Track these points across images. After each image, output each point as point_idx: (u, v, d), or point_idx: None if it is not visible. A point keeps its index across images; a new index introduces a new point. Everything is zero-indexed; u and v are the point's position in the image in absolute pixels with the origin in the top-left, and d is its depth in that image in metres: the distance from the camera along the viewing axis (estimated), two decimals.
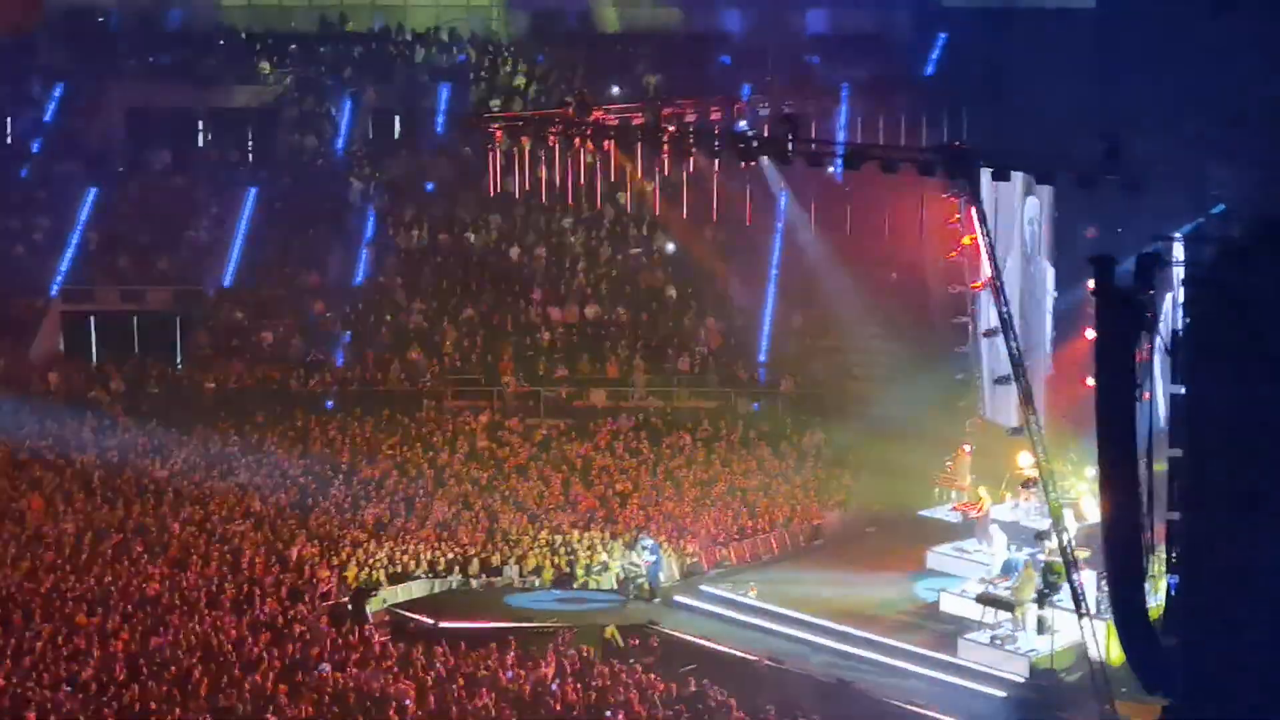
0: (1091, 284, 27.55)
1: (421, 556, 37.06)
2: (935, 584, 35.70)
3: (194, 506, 39.40)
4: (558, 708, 29.51)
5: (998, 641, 32.15)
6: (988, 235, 32.68)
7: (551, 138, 40.87)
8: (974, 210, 32.55)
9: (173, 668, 30.29)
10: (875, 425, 42.11)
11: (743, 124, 42.48)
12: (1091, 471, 29.85)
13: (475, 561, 37.05)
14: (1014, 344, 32.06)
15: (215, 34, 58.85)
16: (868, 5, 55.83)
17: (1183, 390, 26.57)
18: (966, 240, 35.63)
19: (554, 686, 30.44)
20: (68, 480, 40.96)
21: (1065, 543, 30.85)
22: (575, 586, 36.48)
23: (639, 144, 40.40)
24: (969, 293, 37.65)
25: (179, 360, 49.25)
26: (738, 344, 49.06)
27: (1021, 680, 31.13)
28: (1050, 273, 37.71)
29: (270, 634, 32.29)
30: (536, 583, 36.59)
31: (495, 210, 52.16)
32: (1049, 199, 36.77)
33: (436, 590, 36.46)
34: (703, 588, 36.26)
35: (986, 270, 33.38)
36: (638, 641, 33.60)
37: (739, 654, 32.93)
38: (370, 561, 36.49)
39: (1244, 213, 27.86)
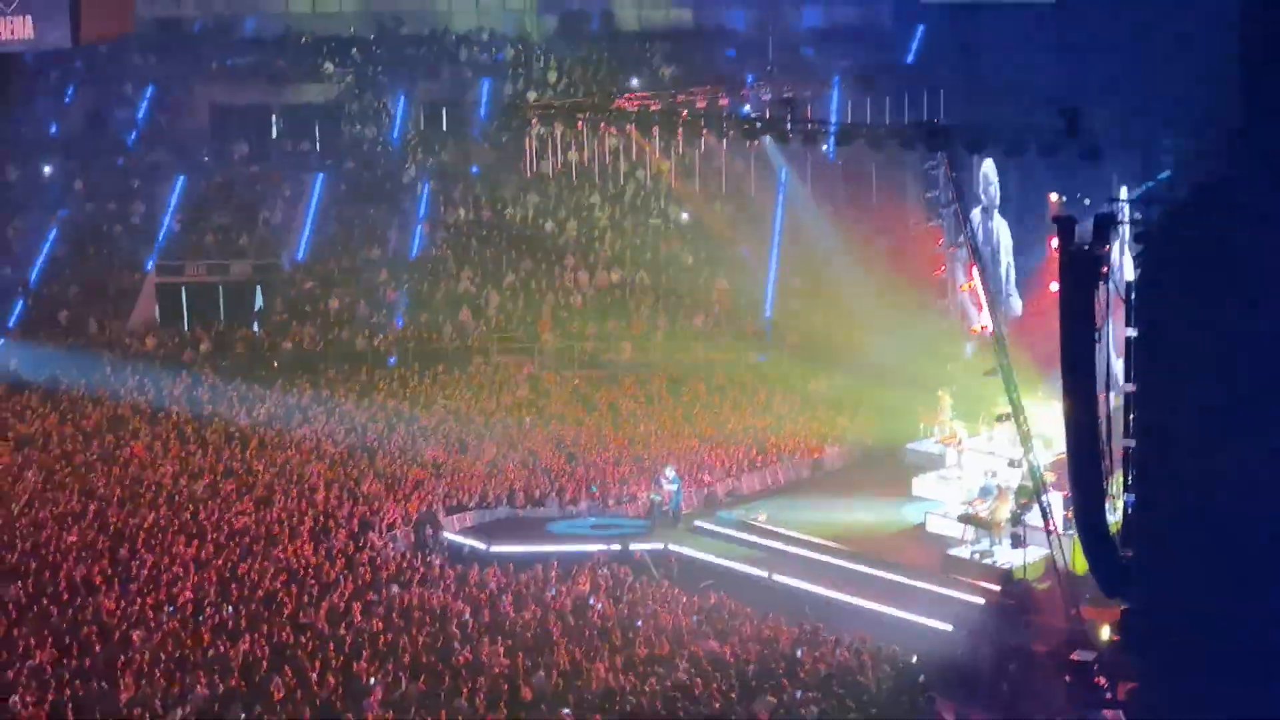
0: (1055, 242, 27.57)
1: (474, 491, 37.16)
2: (921, 507, 35.75)
3: (275, 450, 39.54)
4: (595, 619, 29.63)
5: (977, 556, 32.23)
6: (961, 200, 32.70)
7: (580, 124, 40.87)
8: (950, 180, 32.57)
9: (260, 590, 30.44)
10: (868, 371, 42.07)
11: (747, 108, 42.45)
12: (1058, 406, 29.88)
13: (520, 494, 37.14)
14: (987, 296, 32.11)
15: (285, 38, 58.76)
16: (855, 1, 55.60)
17: (1135, 333, 26.60)
18: (944, 209, 35.65)
19: (591, 600, 30.58)
20: (165, 430, 41.10)
21: (1035, 469, 30.91)
22: (608, 514, 36.55)
23: (656, 128, 40.36)
24: (947, 253, 37.62)
25: (259, 324, 49.32)
26: (746, 303, 49.01)
27: (998, 589, 31.19)
28: (1007, 229, 37.72)
29: (344, 560, 32.44)
30: (574, 511, 36.66)
31: (532, 189, 52.12)
32: (1012, 166, 36.76)
33: (487, 519, 36.57)
34: (719, 513, 36.33)
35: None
36: (663, 561, 33.72)
37: (751, 571, 33.05)
38: (430, 496, 36.60)
39: (1187, 177, 27.80)
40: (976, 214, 37.03)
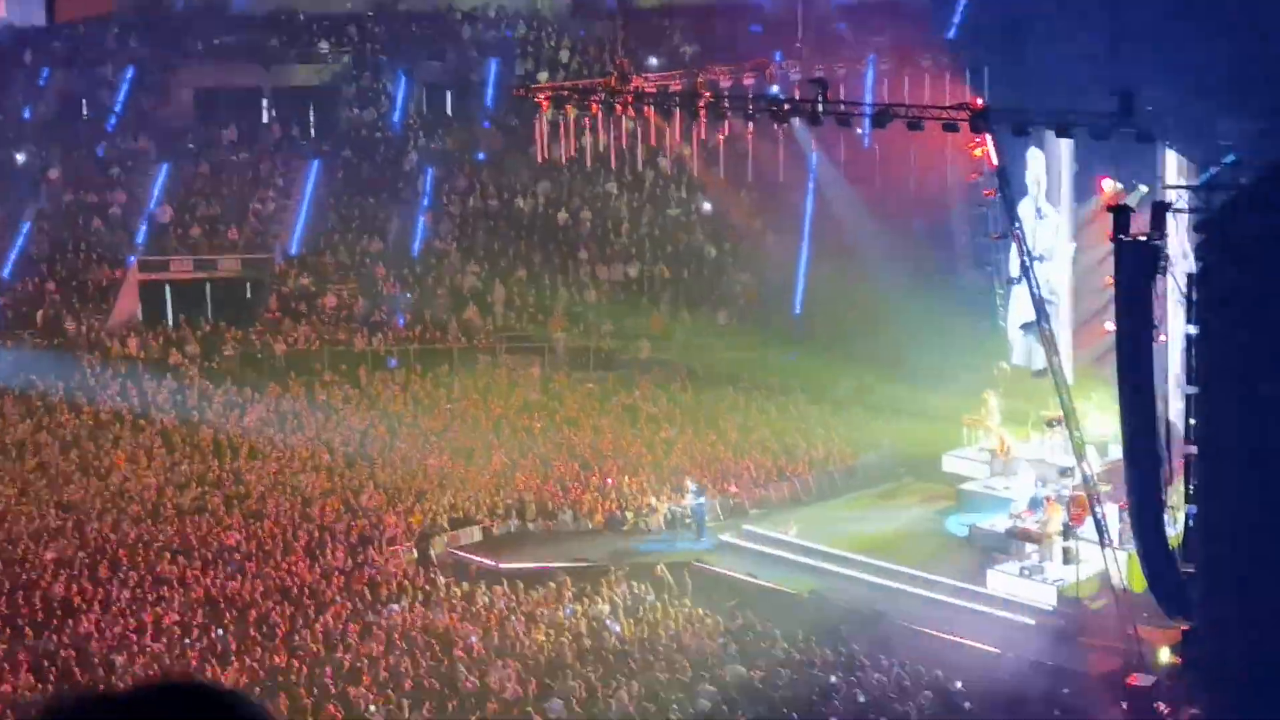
0: (1110, 232, 27.46)
1: (481, 502, 37.11)
2: (965, 519, 35.61)
3: (268, 460, 39.53)
4: (613, 641, 29.57)
5: (1026, 572, 32.08)
6: (1007, 187, 32.55)
7: (594, 106, 40.77)
8: (995, 164, 32.38)
9: (251, 611, 30.44)
10: (905, 372, 41.88)
11: (775, 88, 42.28)
12: (1114, 409, 29.71)
13: (531, 506, 37.08)
14: (1035, 290, 31.93)
15: (277, 16, 58.79)
16: None
17: (1196, 330, 26.47)
18: (987, 193, 35.41)
19: (608, 621, 30.51)
20: (149, 438, 41.13)
21: (1088, 477, 30.78)
22: (625, 529, 36.45)
23: (677, 110, 40.27)
24: (992, 243, 37.44)
25: (250, 324, 49.31)
26: (773, 298, 48.90)
27: (1049, 608, 31.07)
28: (1065, 224, 37.43)
29: (342, 578, 32.42)
30: (589, 525, 36.57)
31: (543, 176, 52.10)
32: (1066, 152, 36.50)
33: (496, 534, 36.51)
34: (745, 526, 36.24)
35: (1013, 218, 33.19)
36: (681, 577, 33.62)
37: (781, 588, 32.95)
38: (434, 508, 36.56)
39: (1252, 162, 27.64)
40: (1027, 204, 36.78)
